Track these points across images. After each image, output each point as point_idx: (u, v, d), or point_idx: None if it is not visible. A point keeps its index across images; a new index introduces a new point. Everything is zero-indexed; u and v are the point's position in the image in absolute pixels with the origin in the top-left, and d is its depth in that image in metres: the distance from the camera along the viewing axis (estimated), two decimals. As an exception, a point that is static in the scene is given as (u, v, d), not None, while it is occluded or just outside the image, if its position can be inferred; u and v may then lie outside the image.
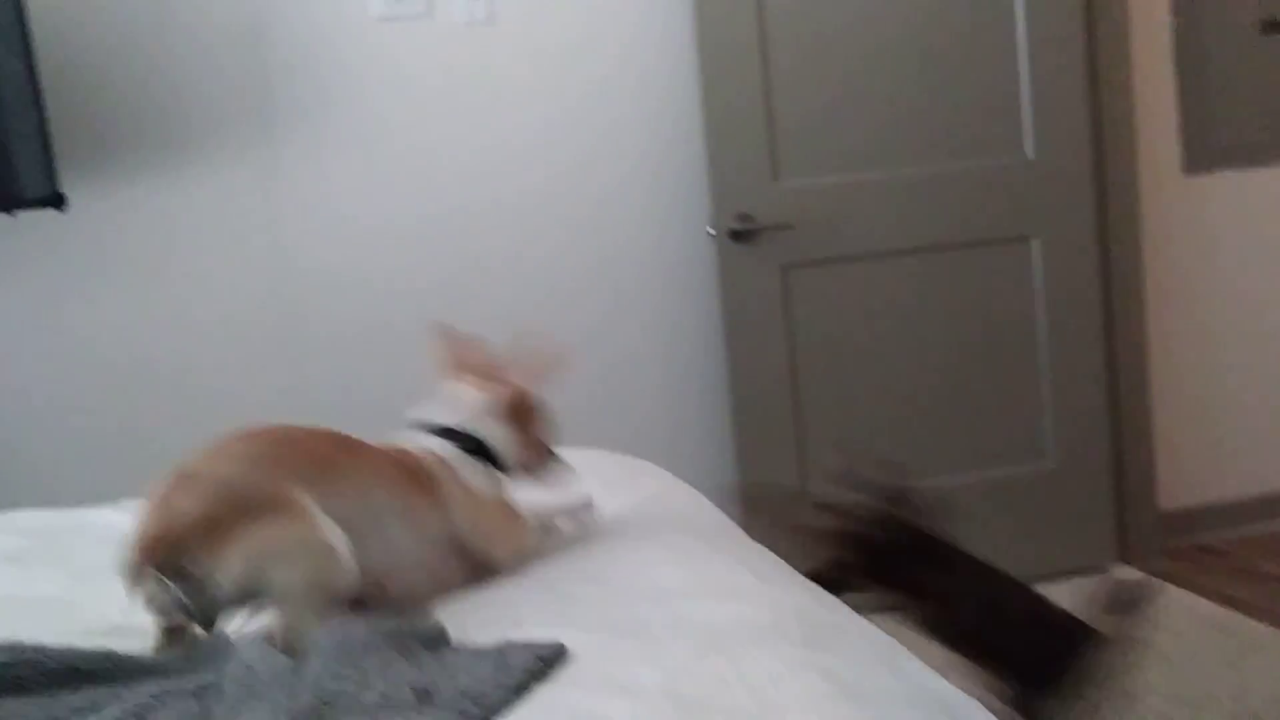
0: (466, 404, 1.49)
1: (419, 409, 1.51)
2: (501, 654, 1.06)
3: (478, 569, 1.40)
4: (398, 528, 1.32)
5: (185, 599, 1.13)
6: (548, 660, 1.05)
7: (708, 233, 3.09)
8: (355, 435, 1.39)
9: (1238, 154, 3.46)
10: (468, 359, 1.55)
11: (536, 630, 1.14)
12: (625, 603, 1.23)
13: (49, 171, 2.45)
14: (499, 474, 1.49)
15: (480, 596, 1.32)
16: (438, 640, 1.13)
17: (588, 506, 1.62)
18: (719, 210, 3.04)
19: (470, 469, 1.44)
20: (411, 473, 1.37)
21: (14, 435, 2.85)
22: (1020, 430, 3.27)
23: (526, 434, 1.53)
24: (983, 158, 3.17)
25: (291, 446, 1.30)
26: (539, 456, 1.57)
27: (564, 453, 1.96)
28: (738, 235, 3.05)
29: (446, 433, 1.46)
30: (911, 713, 0.99)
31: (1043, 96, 3.16)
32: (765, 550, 1.55)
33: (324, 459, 1.30)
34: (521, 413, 1.53)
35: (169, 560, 1.14)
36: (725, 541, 1.56)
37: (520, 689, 1.00)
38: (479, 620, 1.21)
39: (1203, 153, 3.43)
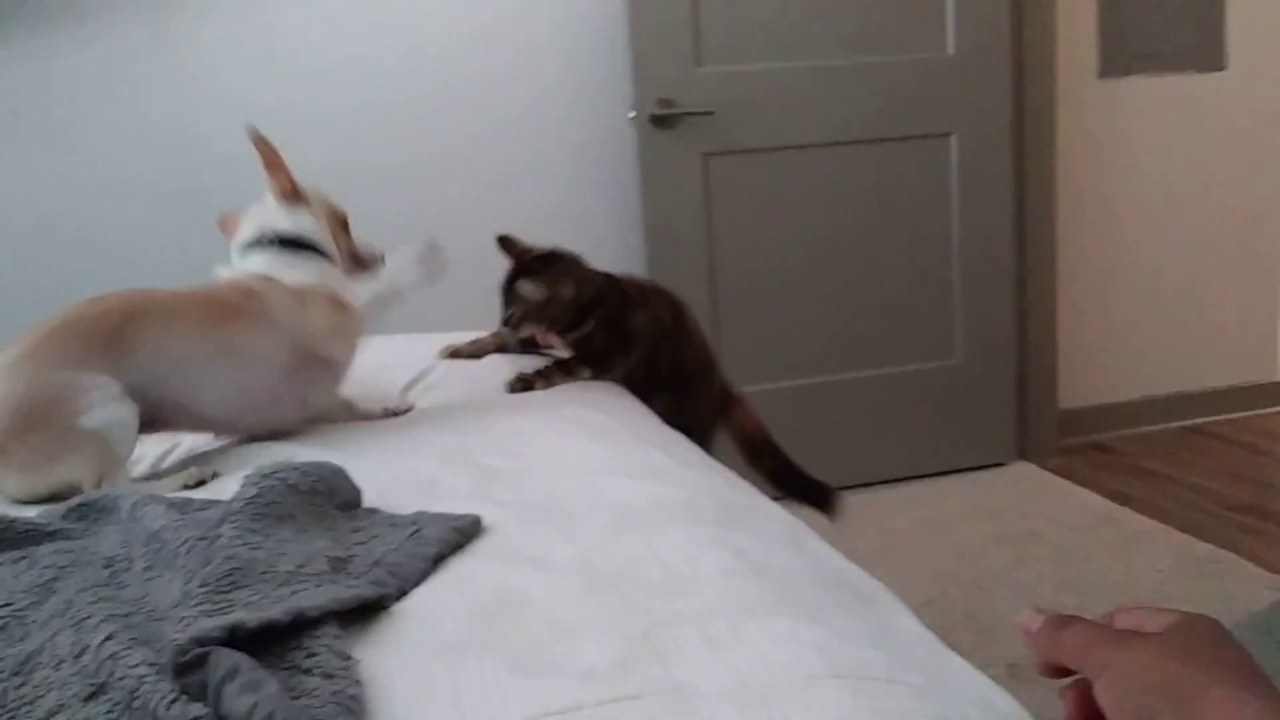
0: (271, 208, 1.56)
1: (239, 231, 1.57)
2: (417, 525, 1.06)
3: (324, 381, 1.49)
4: (222, 364, 1.39)
5: None
6: (464, 533, 1.05)
7: (629, 117, 3.05)
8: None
9: (1151, 60, 3.51)
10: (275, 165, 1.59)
11: (452, 503, 1.14)
12: (542, 479, 1.24)
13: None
14: (326, 264, 1.54)
15: (394, 464, 1.32)
16: (352, 505, 1.13)
17: (434, 246, 1.65)
18: (640, 94, 3.00)
19: (296, 269, 1.50)
20: (226, 305, 1.41)
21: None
22: (930, 326, 3.33)
23: (336, 229, 1.62)
24: (905, 52, 3.16)
25: (78, 331, 1.34)
26: (341, 238, 1.63)
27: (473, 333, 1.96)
28: (659, 120, 3.02)
29: (260, 243, 1.52)
30: (816, 588, 1.02)
31: (968, -8, 3.15)
32: (678, 435, 1.57)
33: (111, 332, 1.34)
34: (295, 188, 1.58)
35: None
36: (638, 424, 1.57)
37: (437, 560, 1.00)
38: (393, 486, 1.21)
39: (1118, 58, 3.47)
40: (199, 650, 0.75)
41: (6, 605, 0.92)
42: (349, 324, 1.51)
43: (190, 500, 1.16)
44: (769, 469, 2.05)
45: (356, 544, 1.03)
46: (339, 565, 0.98)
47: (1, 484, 1.31)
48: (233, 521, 0.99)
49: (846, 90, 3.13)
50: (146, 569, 0.99)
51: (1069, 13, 3.37)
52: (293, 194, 1.56)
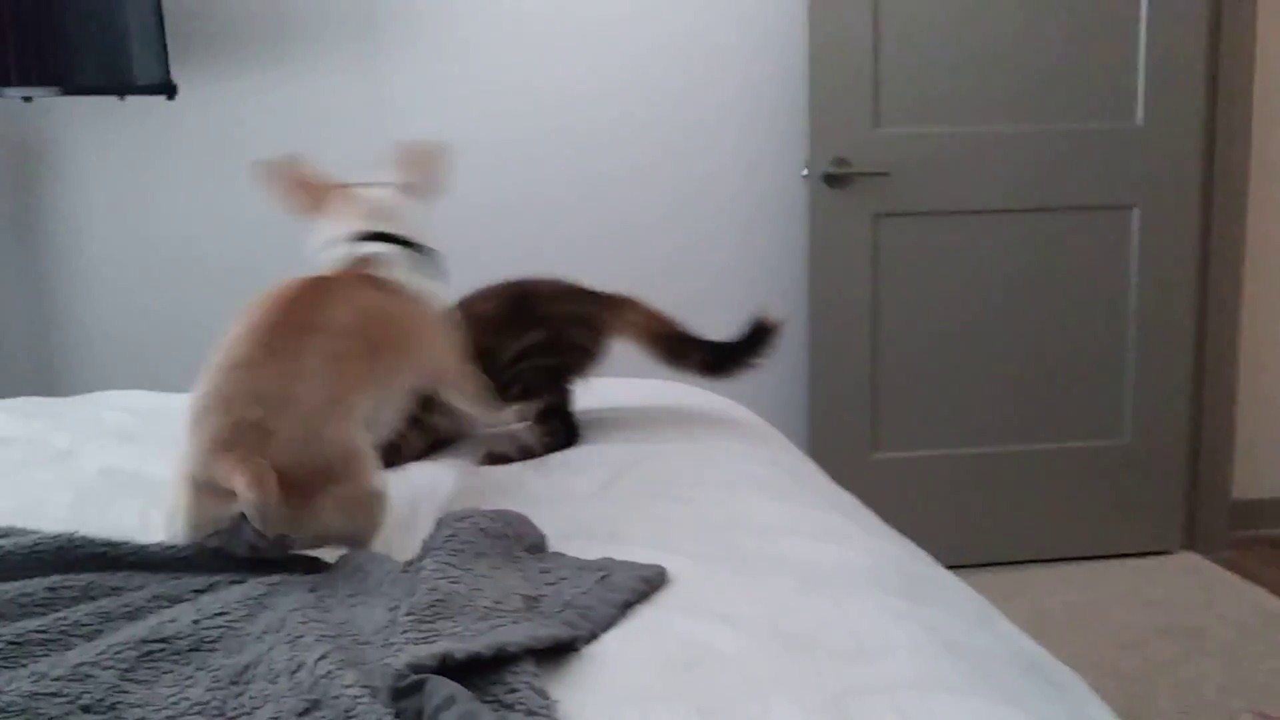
0: (391, 209, 1.39)
1: (374, 212, 1.39)
2: (605, 571, 1.07)
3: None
4: (401, 394, 1.31)
5: (255, 540, 1.08)
6: (651, 582, 1.06)
7: (802, 175, 3.06)
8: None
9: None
10: (317, 185, 1.44)
11: (632, 550, 1.15)
12: (720, 532, 1.24)
13: (162, 59, 2.47)
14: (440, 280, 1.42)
15: (572, 509, 1.33)
16: (538, 548, 1.15)
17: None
18: (815, 153, 3.00)
19: (426, 284, 1.38)
20: (419, 329, 1.33)
21: (117, 316, 2.92)
22: (1100, 404, 3.22)
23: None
24: (1090, 120, 3.08)
25: (330, 356, 1.18)
26: None
27: (652, 386, 1.98)
28: (832, 179, 3.01)
29: (387, 240, 1.36)
30: (1010, 671, 0.99)
31: (1158, 64, 3.06)
32: (852, 497, 1.55)
33: (374, 363, 1.22)
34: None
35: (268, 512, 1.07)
36: (813, 484, 1.56)
37: (625, 607, 1.01)
38: (575, 531, 1.23)
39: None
40: (415, 677, 0.77)
41: (221, 614, 0.97)
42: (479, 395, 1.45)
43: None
44: (699, 361, 1.81)
45: (546, 584, 1.05)
46: (531, 603, 1.00)
47: (307, 524, 1.13)
48: (433, 556, 1.02)
49: (1026, 157, 3.07)
50: (350, 595, 1.02)
51: (1269, 84, 3.24)
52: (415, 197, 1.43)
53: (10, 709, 0.76)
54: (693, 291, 3.13)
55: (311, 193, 1.42)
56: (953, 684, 0.92)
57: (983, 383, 3.17)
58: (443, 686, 0.75)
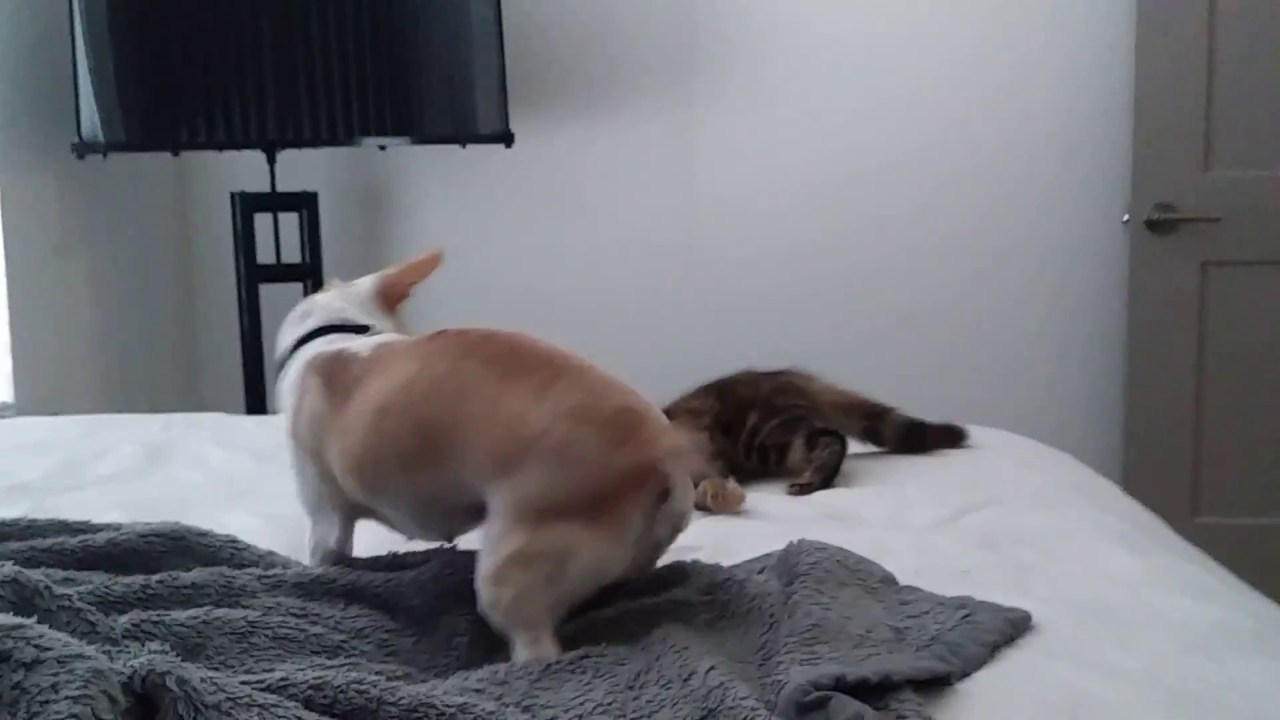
0: (353, 294, 1.35)
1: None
2: (967, 609, 1.06)
3: None
4: None
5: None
6: (1016, 625, 1.04)
7: (1122, 220, 2.93)
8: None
9: None
10: None
11: (990, 593, 1.13)
12: (1082, 581, 1.20)
13: (502, 111, 2.66)
14: None
15: (918, 545, 1.33)
16: (890, 581, 1.15)
17: None
18: (1138, 197, 2.86)
19: None
20: None
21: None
22: None
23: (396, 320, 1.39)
24: None
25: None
26: None
27: (971, 431, 1.94)
28: (1155, 225, 2.87)
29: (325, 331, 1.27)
30: None
31: None
32: (1204, 553, 1.46)
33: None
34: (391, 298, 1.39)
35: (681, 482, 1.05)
36: (1163, 537, 1.48)
37: (994, 648, 1.00)
38: (926, 569, 1.22)
39: None
40: (819, 694, 0.79)
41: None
42: None
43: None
44: (892, 435, 1.85)
45: (908, 616, 1.05)
46: (899, 634, 1.00)
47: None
48: (801, 582, 1.05)
49: (1376, 203, 2.82)
50: (711, 619, 1.06)
51: None
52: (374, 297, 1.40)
53: (449, 707, 0.82)
54: (1008, 344, 3.05)
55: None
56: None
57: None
58: (849, 704, 0.77)
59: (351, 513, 1.21)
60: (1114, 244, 2.97)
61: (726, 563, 1.18)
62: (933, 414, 2.05)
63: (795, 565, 1.10)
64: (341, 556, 1.21)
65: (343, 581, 1.11)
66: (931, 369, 3.06)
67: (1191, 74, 2.82)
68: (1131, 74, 2.85)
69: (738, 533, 1.42)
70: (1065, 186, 3.00)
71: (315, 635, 1.02)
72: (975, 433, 1.93)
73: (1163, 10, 2.80)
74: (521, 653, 0.98)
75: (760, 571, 1.16)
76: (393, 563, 1.19)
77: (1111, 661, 0.99)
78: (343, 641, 1.02)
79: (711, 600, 1.10)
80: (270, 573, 1.12)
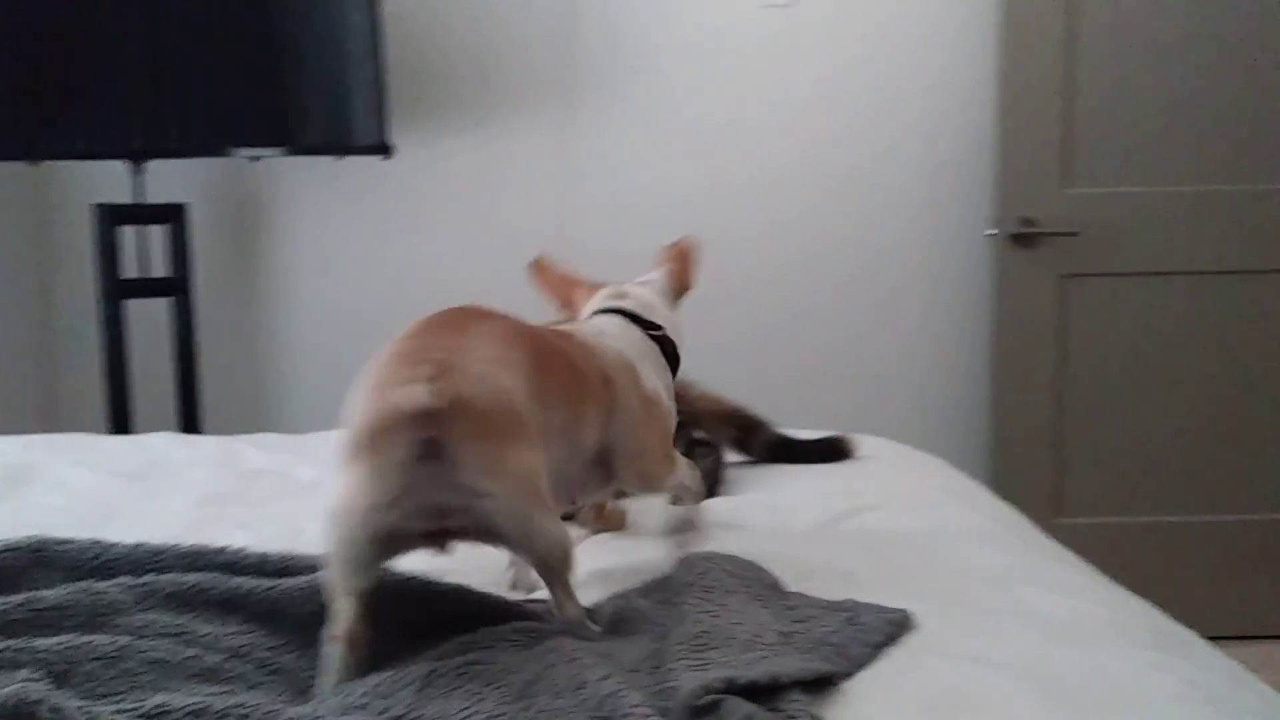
0: (650, 291, 1.37)
1: (613, 294, 1.37)
2: (850, 611, 1.09)
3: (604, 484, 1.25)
4: (564, 444, 1.11)
5: (437, 494, 0.95)
6: (898, 625, 1.07)
7: (986, 234, 3.04)
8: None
9: None
10: (574, 284, 1.42)
11: (870, 593, 1.16)
12: (955, 579, 1.24)
13: (381, 121, 2.62)
14: (668, 373, 1.33)
15: (802, 551, 1.35)
16: (777, 588, 1.17)
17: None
18: (1001, 212, 2.98)
19: (651, 366, 1.28)
20: (591, 379, 1.18)
21: (326, 363, 3.08)
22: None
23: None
24: (1293, 181, 2.98)
25: (542, 366, 1.08)
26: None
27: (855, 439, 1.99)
28: (1018, 239, 2.99)
29: (634, 320, 1.31)
30: (1278, 730, 0.97)
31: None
32: (1068, 550, 1.53)
33: (562, 385, 1.11)
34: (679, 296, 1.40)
35: (460, 443, 0.94)
36: (1031, 537, 1.54)
37: (878, 648, 1.02)
38: (809, 574, 1.24)
39: None
40: (710, 697, 0.80)
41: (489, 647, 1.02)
42: (668, 473, 1.30)
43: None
44: (762, 446, 1.89)
45: (794, 621, 1.07)
46: (786, 639, 1.02)
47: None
48: (690, 592, 1.06)
49: (1221, 218, 2.98)
50: (620, 624, 1.07)
51: None
52: (672, 292, 1.40)
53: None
54: (879, 353, 3.14)
55: (564, 288, 1.43)
56: (1224, 739, 0.90)
57: (1173, 450, 3.07)
58: (740, 706, 0.79)
59: None
60: (979, 257, 3.09)
61: (612, 579, 1.19)
62: (807, 421, 2.10)
63: (684, 577, 1.11)
64: None
65: (221, 590, 1.07)
66: (805, 377, 3.13)
67: (1051, 96, 2.94)
68: (995, 95, 2.97)
69: (624, 546, 1.43)
70: (933, 202, 3.10)
71: (191, 658, 0.98)
72: (853, 439, 1.98)
73: (1024, 35, 2.92)
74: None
75: (646, 595, 1.17)
76: (282, 566, 1.15)
77: (987, 655, 1.03)
78: (221, 662, 0.99)
79: (599, 612, 1.11)
80: (141, 582, 1.08)
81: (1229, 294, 3.01)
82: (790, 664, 0.92)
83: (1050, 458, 3.07)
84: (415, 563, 1.06)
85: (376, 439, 0.94)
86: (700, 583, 1.08)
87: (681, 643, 0.95)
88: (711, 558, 1.17)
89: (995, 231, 2.99)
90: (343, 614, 0.98)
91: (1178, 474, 3.07)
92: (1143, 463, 3.07)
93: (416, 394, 0.93)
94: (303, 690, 0.99)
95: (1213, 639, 1.20)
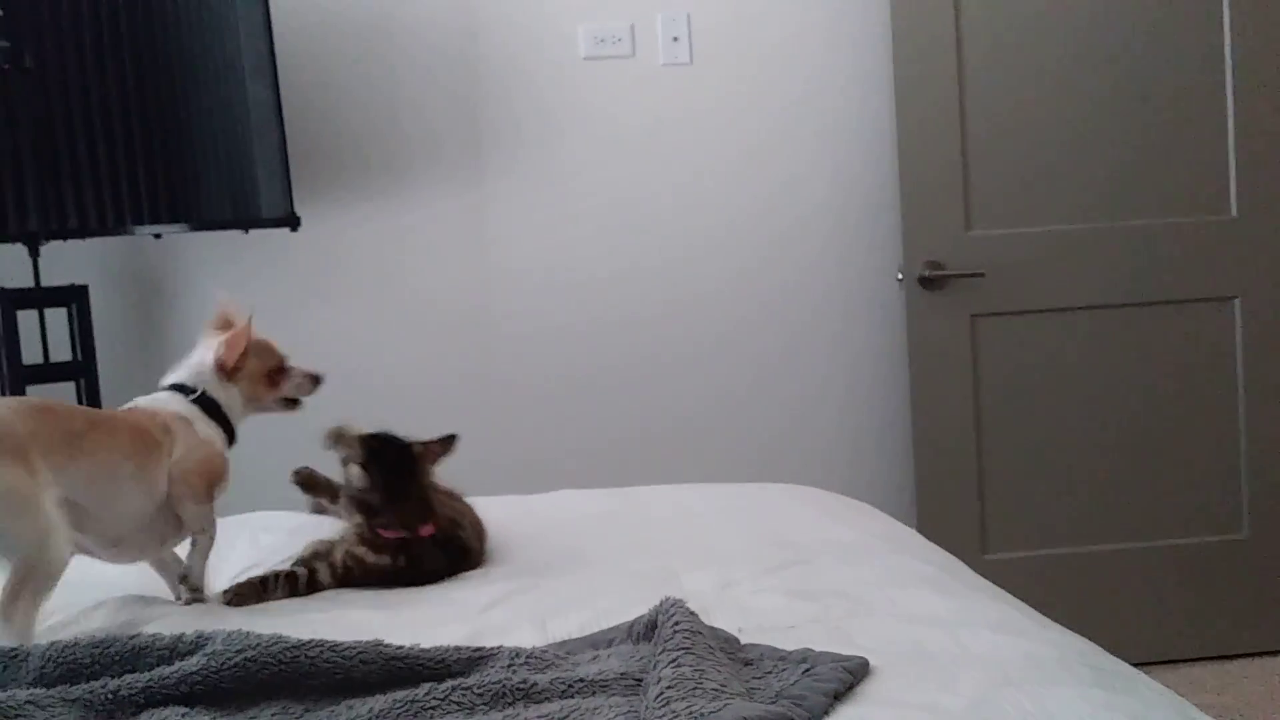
0: (197, 361, 1.69)
1: (175, 369, 1.70)
2: (808, 662, 1.08)
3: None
4: (133, 490, 1.50)
5: None
6: (854, 673, 1.07)
7: (896, 278, 3.09)
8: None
9: None
10: (225, 321, 1.75)
11: (814, 644, 1.15)
12: (898, 625, 1.24)
13: (286, 194, 2.59)
14: (220, 429, 1.66)
15: (744, 601, 1.34)
16: (732, 642, 1.16)
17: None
18: (909, 256, 3.04)
19: (203, 422, 1.63)
20: (149, 435, 1.54)
21: (247, 437, 2.98)
22: (1211, 498, 3.16)
23: (252, 379, 1.71)
24: (1184, 214, 3.10)
25: (49, 418, 1.43)
26: (266, 393, 1.74)
27: (772, 489, 1.99)
28: (927, 282, 3.04)
29: (180, 389, 1.65)
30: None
31: (1249, 155, 3.08)
32: (1005, 592, 1.54)
33: (73, 433, 1.45)
34: (237, 366, 1.69)
35: None
36: (966, 577, 1.55)
37: (836, 696, 1.02)
38: (754, 630, 1.23)
39: None
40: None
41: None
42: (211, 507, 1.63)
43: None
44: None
45: (754, 677, 1.07)
46: (751, 691, 1.02)
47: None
48: (662, 657, 1.05)
49: (1121, 252, 3.08)
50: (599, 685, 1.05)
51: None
52: (232, 372, 1.69)
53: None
54: (799, 399, 3.16)
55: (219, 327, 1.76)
56: (1176, 771, 0.91)
57: (1092, 480, 3.13)
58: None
59: None
60: (891, 300, 3.14)
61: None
62: (728, 471, 2.10)
63: (664, 641, 1.10)
64: None
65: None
66: (724, 426, 3.13)
67: (948, 142, 3.02)
68: (894, 147, 3.04)
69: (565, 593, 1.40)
70: (843, 250, 3.15)
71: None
72: (780, 489, 1.98)
73: (916, 84, 3.00)
74: None
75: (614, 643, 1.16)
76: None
77: (936, 702, 1.03)
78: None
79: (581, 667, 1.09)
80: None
81: (1128, 326, 3.10)
82: (754, 709, 0.93)
83: (972, 495, 3.11)
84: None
85: None
86: (673, 641, 1.07)
87: (661, 695, 0.94)
88: (666, 610, 1.16)
89: (904, 276, 3.05)
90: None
91: (1095, 503, 3.13)
92: (1060, 494, 3.12)
93: None
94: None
95: (1139, 665, 1.22)
